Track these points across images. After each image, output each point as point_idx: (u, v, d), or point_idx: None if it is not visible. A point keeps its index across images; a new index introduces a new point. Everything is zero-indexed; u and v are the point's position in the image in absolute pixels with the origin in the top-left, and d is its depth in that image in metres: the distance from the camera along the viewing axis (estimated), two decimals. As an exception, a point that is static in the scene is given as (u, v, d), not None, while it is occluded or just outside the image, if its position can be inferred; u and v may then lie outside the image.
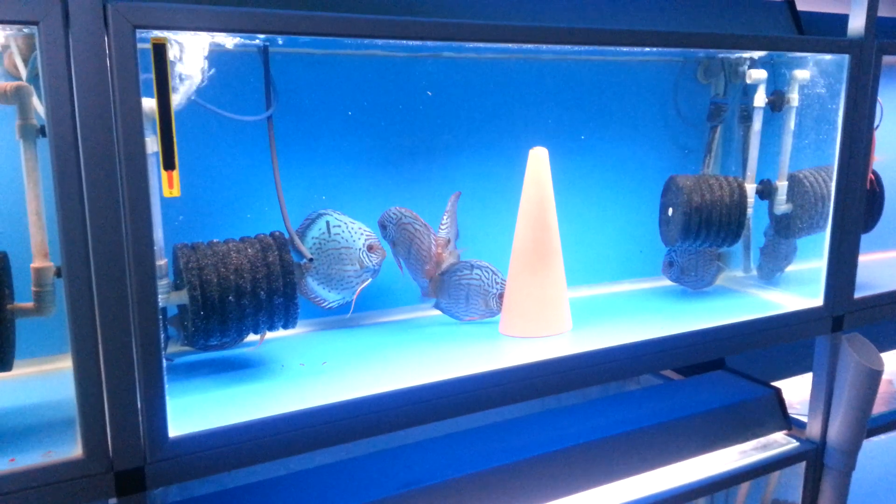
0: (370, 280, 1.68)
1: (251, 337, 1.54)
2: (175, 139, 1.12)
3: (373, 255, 1.67)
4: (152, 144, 1.31)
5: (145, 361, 1.14)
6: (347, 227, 1.66)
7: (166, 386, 1.17)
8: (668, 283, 2.12)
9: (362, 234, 1.67)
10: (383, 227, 1.75)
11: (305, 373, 1.49)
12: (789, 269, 2.12)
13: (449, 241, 1.79)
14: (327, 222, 1.65)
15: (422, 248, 1.71)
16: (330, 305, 1.70)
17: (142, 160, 1.07)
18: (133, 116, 1.06)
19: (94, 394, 1.11)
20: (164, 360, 1.50)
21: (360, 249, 1.65)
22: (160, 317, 1.43)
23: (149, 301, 1.12)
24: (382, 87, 1.77)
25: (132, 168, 1.07)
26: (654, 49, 1.71)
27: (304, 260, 1.61)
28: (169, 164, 1.12)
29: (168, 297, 1.41)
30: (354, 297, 1.69)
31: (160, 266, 1.38)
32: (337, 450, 1.43)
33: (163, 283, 1.39)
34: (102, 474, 1.13)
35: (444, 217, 1.78)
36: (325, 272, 1.67)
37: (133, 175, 1.07)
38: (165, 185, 1.13)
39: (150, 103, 1.27)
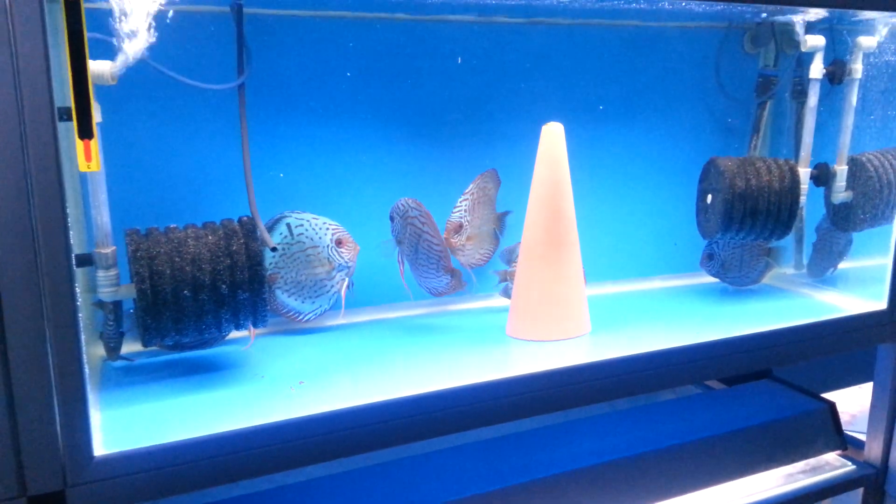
0: (348, 280, 1.52)
1: (241, 334, 1.41)
2: (92, 103, 0.94)
3: (343, 249, 1.51)
4: (98, 113, 1.15)
5: (62, 367, 0.98)
6: (311, 225, 1.51)
7: (89, 396, 1.01)
8: (705, 280, 2.00)
9: (328, 229, 1.51)
10: (391, 219, 1.59)
11: (283, 380, 1.33)
12: (842, 265, 2.01)
13: (461, 225, 1.64)
14: (287, 224, 1.50)
15: (432, 246, 1.54)
16: (307, 319, 1.56)
17: (49, 128, 0.91)
18: (38, 77, 0.89)
19: (0, 408, 0.95)
20: (122, 361, 1.38)
21: (328, 246, 1.50)
22: (116, 313, 1.30)
23: (64, 296, 0.96)
24: (377, 54, 1.61)
25: (38, 138, 0.91)
26: (693, 10, 1.51)
27: (269, 264, 1.45)
28: (85, 132, 0.94)
29: (117, 291, 1.25)
30: (343, 299, 1.53)
31: (106, 254, 1.23)
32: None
33: (110, 274, 1.24)
34: (13, 500, 0.99)
35: (461, 200, 1.63)
36: (294, 279, 1.53)
37: (39, 146, 0.92)
38: (82, 158, 0.95)
39: (96, 66, 1.13)
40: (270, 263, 1.51)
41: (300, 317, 1.55)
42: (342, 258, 1.50)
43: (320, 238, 1.50)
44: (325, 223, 1.51)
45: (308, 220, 1.51)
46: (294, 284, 1.53)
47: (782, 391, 1.94)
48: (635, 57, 1.86)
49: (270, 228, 1.51)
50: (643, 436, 1.65)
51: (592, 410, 1.84)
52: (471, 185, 1.66)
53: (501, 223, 1.74)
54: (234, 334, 1.49)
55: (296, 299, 1.54)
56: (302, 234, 1.50)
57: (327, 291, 1.52)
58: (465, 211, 1.66)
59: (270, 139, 1.55)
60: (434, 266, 1.55)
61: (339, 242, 1.50)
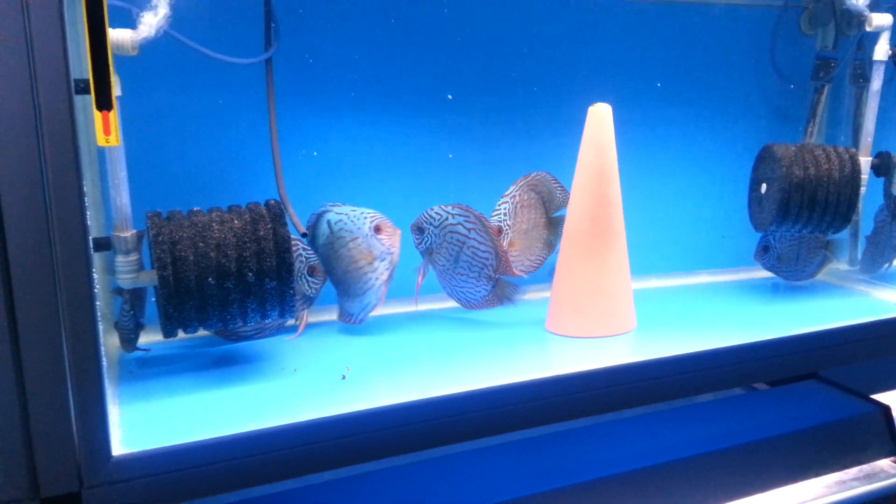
0: (390, 270, 1.46)
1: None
2: (111, 71, 0.86)
3: (382, 236, 1.45)
4: (118, 86, 1.08)
5: (78, 359, 0.92)
6: (349, 217, 1.46)
7: (108, 392, 0.95)
8: (754, 275, 1.97)
9: (366, 218, 1.46)
10: (420, 230, 1.53)
11: (317, 374, 1.29)
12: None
13: (500, 230, 1.58)
14: (328, 221, 1.46)
15: (477, 253, 1.49)
16: (358, 320, 1.51)
17: (65, 100, 0.84)
18: (53, 45, 0.83)
19: (12, 402, 0.90)
20: (139, 351, 1.32)
21: (367, 235, 1.45)
22: (137, 301, 1.24)
23: (81, 283, 0.90)
24: (410, 25, 1.56)
25: (53, 110, 0.84)
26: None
27: (299, 236, 1.40)
28: (104, 103, 0.87)
29: (137, 277, 1.18)
30: (382, 295, 1.47)
31: (125, 238, 1.17)
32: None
33: (129, 259, 1.18)
34: (25, 502, 0.94)
35: (500, 203, 1.58)
36: (343, 279, 1.48)
37: (54, 119, 0.85)
38: (100, 131, 0.87)
39: (116, 34, 1.07)
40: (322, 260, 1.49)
41: (351, 319, 1.50)
42: (383, 245, 1.45)
43: (359, 228, 1.45)
44: (362, 213, 1.46)
45: (346, 214, 1.46)
46: (344, 284, 1.48)
47: (831, 392, 1.87)
48: (685, 36, 1.81)
49: (314, 226, 1.46)
50: (684, 439, 1.60)
51: (630, 411, 1.79)
52: (511, 187, 1.60)
53: (558, 228, 1.66)
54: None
55: (347, 300, 1.50)
56: (342, 227, 1.45)
57: (372, 286, 1.47)
58: (506, 214, 1.59)
59: (302, 119, 1.50)
60: (476, 275, 1.50)
61: (377, 229, 1.44)
